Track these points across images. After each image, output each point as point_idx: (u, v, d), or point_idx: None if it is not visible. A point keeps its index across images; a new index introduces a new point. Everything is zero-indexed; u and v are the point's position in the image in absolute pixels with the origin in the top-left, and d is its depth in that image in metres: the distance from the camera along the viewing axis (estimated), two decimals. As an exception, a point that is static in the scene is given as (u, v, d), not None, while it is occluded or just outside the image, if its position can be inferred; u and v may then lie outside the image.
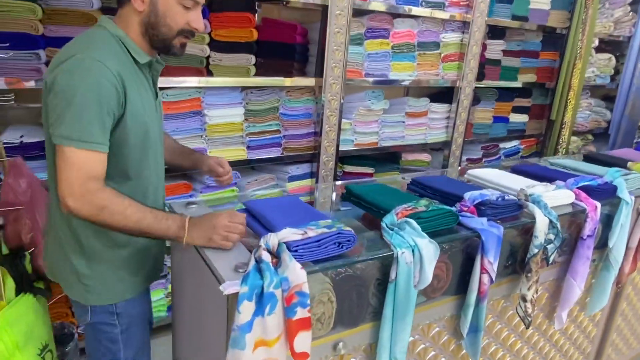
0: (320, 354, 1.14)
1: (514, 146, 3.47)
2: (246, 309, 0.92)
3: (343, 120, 2.46)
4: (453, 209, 1.32)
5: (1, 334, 1.25)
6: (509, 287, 1.52)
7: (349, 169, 2.74)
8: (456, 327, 1.40)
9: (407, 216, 1.23)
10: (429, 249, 1.15)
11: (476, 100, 3.10)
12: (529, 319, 1.49)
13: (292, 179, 2.43)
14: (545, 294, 1.66)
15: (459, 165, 3.13)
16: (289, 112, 2.36)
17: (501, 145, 3.40)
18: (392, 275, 1.14)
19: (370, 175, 2.79)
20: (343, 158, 2.71)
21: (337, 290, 1.13)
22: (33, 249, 1.41)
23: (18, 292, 1.37)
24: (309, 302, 0.97)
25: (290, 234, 1.04)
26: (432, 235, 1.18)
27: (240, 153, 2.26)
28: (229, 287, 0.92)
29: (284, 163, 2.43)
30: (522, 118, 3.45)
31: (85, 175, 1.02)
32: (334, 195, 2.29)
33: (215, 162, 1.50)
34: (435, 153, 3.11)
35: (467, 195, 1.39)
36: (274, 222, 1.15)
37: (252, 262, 0.98)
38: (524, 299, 1.48)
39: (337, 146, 2.47)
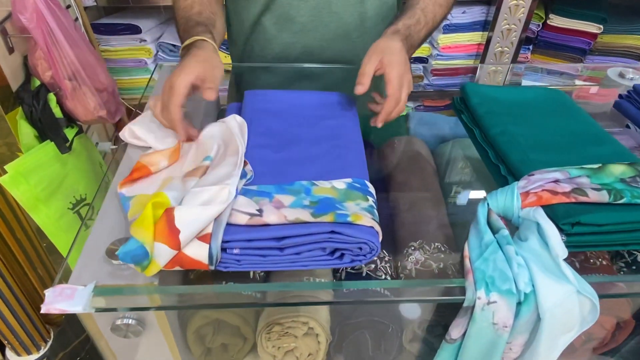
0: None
1: None
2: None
3: None
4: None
5: (16, 185, 1.10)
6: None
7: (556, 21, 1.71)
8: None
9: (550, 206, 0.52)
10: (569, 310, 0.46)
11: None
12: None
13: (450, 29, 1.60)
14: None
15: None
16: None
17: None
18: (454, 334, 0.52)
19: (594, 37, 1.73)
20: (548, 2, 1.69)
21: (337, 318, 0.58)
22: (57, 90, 1.15)
23: (44, 139, 1.17)
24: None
25: (237, 206, 0.48)
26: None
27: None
28: (52, 302, 0.45)
29: (442, 2, 1.60)
30: None
31: None
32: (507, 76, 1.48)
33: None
34: None
35: None
36: (251, 158, 0.57)
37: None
38: None
39: (541, -18, 1.49)
